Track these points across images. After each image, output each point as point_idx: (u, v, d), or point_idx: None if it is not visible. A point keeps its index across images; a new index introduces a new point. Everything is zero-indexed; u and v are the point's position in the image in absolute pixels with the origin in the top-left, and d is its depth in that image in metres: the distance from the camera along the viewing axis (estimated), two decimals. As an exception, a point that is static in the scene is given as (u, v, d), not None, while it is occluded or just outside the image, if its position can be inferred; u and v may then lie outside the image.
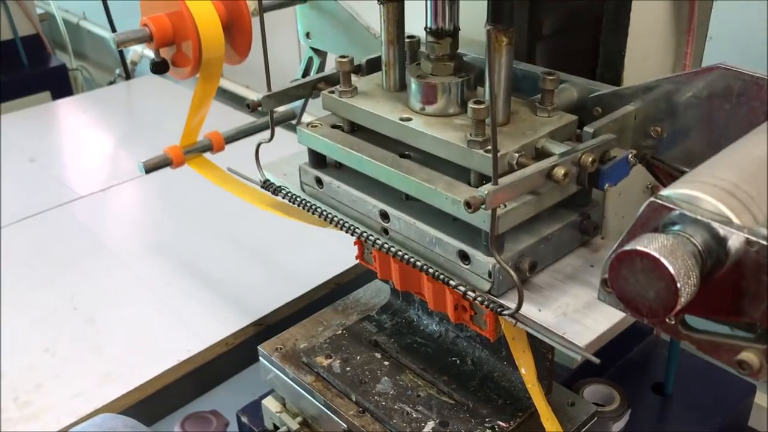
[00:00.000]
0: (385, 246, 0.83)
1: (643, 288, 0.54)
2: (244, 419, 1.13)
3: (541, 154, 0.75)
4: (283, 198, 0.93)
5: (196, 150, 0.99)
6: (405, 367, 1.00)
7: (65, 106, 2.48)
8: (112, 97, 2.55)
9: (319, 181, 0.91)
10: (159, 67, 0.92)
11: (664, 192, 0.58)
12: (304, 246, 1.60)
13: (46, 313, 1.45)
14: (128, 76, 2.82)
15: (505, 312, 0.73)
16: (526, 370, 0.83)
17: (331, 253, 1.53)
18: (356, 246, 0.95)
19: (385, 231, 0.85)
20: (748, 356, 0.54)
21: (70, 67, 2.97)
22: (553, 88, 0.78)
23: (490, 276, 0.75)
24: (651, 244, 0.53)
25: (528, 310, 0.73)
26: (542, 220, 0.79)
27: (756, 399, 1.20)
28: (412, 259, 0.81)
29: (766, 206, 0.56)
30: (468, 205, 0.65)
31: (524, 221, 0.76)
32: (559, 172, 0.70)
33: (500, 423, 0.91)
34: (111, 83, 2.90)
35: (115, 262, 1.60)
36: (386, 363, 1.01)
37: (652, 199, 0.57)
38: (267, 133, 0.94)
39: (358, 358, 1.02)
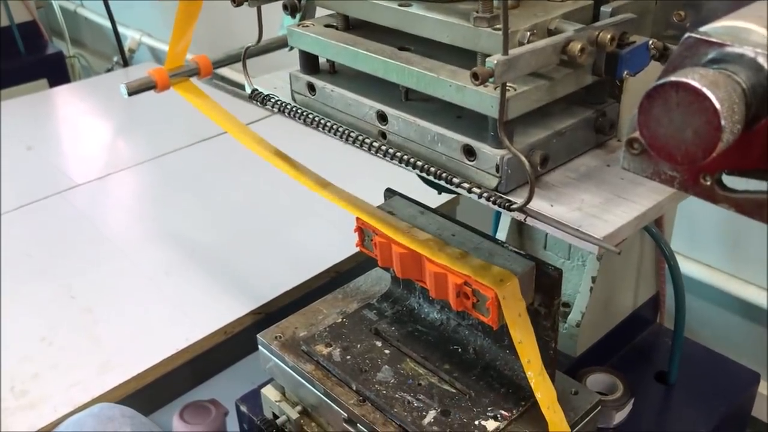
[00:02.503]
0: (383, 149, 0.77)
1: (679, 128, 0.47)
2: (243, 408, 1.10)
3: (554, 35, 0.68)
4: (272, 107, 0.88)
5: (182, 74, 0.92)
6: (406, 356, 0.97)
7: (62, 93, 2.46)
8: (109, 84, 2.50)
9: (311, 88, 0.86)
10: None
11: (707, 27, 0.50)
12: (304, 234, 1.58)
13: (43, 303, 1.43)
14: (126, 63, 2.80)
15: (513, 207, 0.67)
16: (532, 359, 0.79)
17: (332, 241, 1.51)
18: (357, 233, 0.93)
19: (383, 135, 0.79)
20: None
21: (67, 55, 2.95)
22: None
23: (497, 170, 0.69)
24: (689, 74, 0.46)
25: (539, 205, 0.67)
26: (555, 115, 0.73)
27: (760, 388, 1.17)
28: (412, 160, 0.74)
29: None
30: (475, 76, 0.59)
31: (535, 114, 0.70)
32: (575, 46, 0.64)
33: (503, 412, 0.87)
34: (109, 71, 2.88)
35: (113, 250, 1.57)
36: (387, 351, 0.98)
37: (688, 34, 0.50)
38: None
39: (359, 346, 0.99)
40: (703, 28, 0.50)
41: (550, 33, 0.68)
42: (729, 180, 0.52)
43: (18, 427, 1.15)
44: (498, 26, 0.65)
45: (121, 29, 2.76)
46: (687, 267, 1.37)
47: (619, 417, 1.00)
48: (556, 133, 0.71)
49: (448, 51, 0.72)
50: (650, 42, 0.69)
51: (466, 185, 0.70)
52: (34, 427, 1.14)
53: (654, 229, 1.00)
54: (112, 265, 1.52)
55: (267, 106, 0.88)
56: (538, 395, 0.79)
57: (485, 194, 0.69)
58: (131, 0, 2.67)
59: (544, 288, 0.80)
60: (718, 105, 0.44)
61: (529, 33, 0.66)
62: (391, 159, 0.76)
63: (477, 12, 0.67)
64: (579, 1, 0.72)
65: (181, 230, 1.64)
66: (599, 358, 1.06)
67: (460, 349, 0.96)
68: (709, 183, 0.52)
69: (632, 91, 0.78)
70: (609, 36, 0.65)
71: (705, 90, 0.45)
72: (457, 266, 0.79)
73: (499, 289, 0.75)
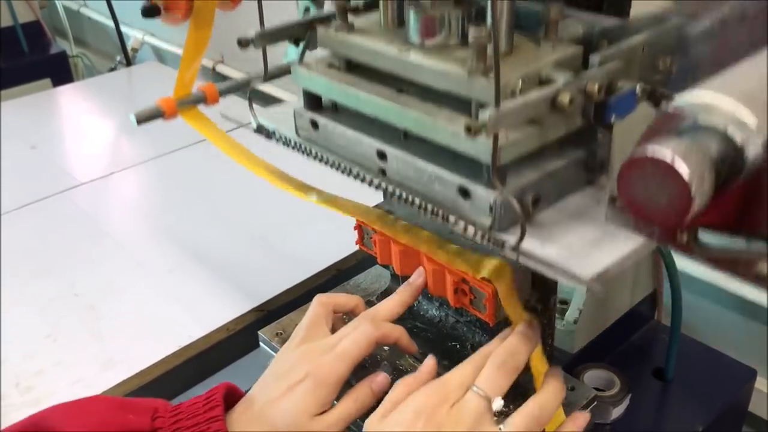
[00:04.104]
0: (382, 185, 0.81)
1: (654, 195, 0.52)
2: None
3: (545, 83, 0.72)
4: (277, 141, 0.91)
5: (189, 102, 0.96)
6: (404, 353, 0.99)
7: (66, 93, 2.48)
8: (112, 83, 2.54)
9: (314, 124, 0.89)
10: (150, 12, 0.90)
11: (677, 102, 0.55)
12: (305, 232, 1.61)
13: (47, 300, 1.45)
14: (129, 62, 2.81)
15: (506, 246, 0.71)
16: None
17: (332, 239, 1.53)
18: (356, 231, 0.97)
19: (383, 172, 0.83)
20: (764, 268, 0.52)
21: (70, 54, 2.98)
22: (556, 17, 0.75)
23: (491, 211, 0.73)
24: (662, 148, 0.51)
25: (531, 244, 0.70)
26: (546, 157, 0.76)
27: (756, 384, 1.20)
28: (410, 197, 0.78)
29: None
30: (468, 129, 0.63)
31: (527, 157, 0.73)
32: (565, 98, 0.68)
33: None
34: (112, 70, 2.90)
35: (116, 248, 1.60)
36: (386, 348, 1.00)
37: (663, 108, 0.55)
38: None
39: None
40: (677, 102, 0.54)
41: (541, 80, 0.72)
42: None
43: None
44: (492, 75, 0.68)
45: (124, 29, 2.78)
46: (687, 265, 1.37)
47: (616, 412, 1.03)
48: (547, 174, 0.75)
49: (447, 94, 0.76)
50: (637, 87, 0.73)
51: (462, 224, 0.74)
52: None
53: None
54: (115, 262, 1.54)
55: (272, 140, 0.93)
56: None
57: (479, 233, 0.73)
58: (134, 0, 2.70)
59: (541, 285, 0.84)
60: (687, 177, 0.49)
61: (521, 82, 0.70)
62: (391, 196, 0.80)
63: (471, 63, 0.70)
64: (569, 48, 0.75)
65: (184, 229, 1.66)
66: (597, 354, 1.09)
67: (458, 346, 0.99)
68: (685, 239, 0.57)
69: (621, 131, 0.81)
70: (597, 86, 0.69)
71: (676, 164, 0.49)
72: (456, 263, 0.84)
73: (495, 278, 0.81)
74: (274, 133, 0.93)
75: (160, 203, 1.81)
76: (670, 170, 0.50)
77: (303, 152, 0.89)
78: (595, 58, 0.72)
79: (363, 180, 0.82)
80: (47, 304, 1.44)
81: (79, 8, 3.39)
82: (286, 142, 0.91)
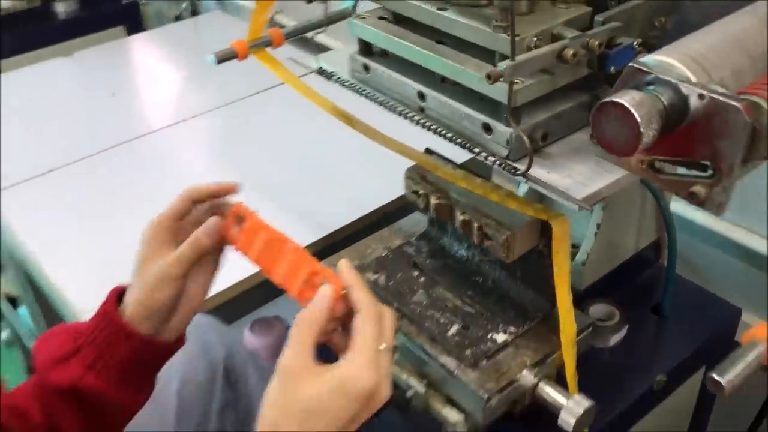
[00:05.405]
0: (421, 122, 0.98)
1: (616, 131, 0.69)
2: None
3: (556, 39, 0.88)
4: (335, 82, 1.09)
5: (259, 45, 1.11)
6: (437, 284, 1.17)
7: (139, 41, 2.66)
8: (181, 33, 2.71)
9: (366, 68, 1.07)
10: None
11: (643, 59, 0.72)
12: (357, 179, 1.76)
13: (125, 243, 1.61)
14: (195, 11, 2.92)
15: (517, 173, 0.88)
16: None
17: (380, 186, 1.67)
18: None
19: (422, 109, 1.00)
20: (698, 189, 0.69)
21: (140, 2, 3.05)
22: (572, -18, 0.91)
23: (507, 143, 0.90)
24: (623, 97, 0.67)
25: (538, 171, 0.88)
26: (556, 99, 0.92)
27: (743, 318, 1.32)
28: (444, 132, 0.95)
29: (726, 71, 0.70)
30: (489, 77, 0.79)
31: (540, 99, 0.90)
32: (569, 52, 0.84)
33: (511, 328, 1.08)
34: (177, 18, 2.95)
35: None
36: (422, 279, 1.18)
37: (631, 63, 0.71)
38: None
39: (399, 274, 1.19)
40: (642, 59, 0.71)
41: (554, 37, 0.88)
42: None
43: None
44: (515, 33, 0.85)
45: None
46: (698, 216, 1.50)
47: (614, 339, 1.19)
48: (555, 115, 0.92)
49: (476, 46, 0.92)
50: (635, 42, 0.88)
51: (484, 154, 0.92)
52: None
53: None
54: None
55: (331, 81, 1.10)
56: (560, 304, 0.98)
57: (498, 161, 0.91)
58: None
59: (548, 233, 0.99)
60: (638, 119, 0.66)
61: (535, 38, 0.86)
62: (428, 130, 0.98)
63: (495, 21, 0.87)
64: (580, 9, 0.91)
65: (250, 172, 1.80)
66: (602, 292, 1.22)
67: (481, 280, 1.16)
68: (645, 167, 0.74)
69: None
70: (597, 43, 0.85)
71: (630, 108, 0.66)
72: (509, 203, 0.97)
73: (554, 222, 0.95)
74: (332, 74, 1.10)
75: (228, 148, 1.96)
76: (626, 113, 0.66)
77: (357, 91, 1.07)
78: (599, 18, 0.88)
79: (405, 116, 1.00)
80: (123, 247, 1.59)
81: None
82: (343, 84, 1.09)
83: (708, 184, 0.68)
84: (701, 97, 0.66)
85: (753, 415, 1.39)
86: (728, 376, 0.68)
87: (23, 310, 2.35)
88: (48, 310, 1.91)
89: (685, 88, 0.67)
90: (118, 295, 0.97)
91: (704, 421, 1.43)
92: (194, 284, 0.98)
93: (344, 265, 0.87)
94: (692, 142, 0.69)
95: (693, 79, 0.68)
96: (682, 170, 0.71)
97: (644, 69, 0.70)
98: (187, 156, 1.94)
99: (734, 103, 0.64)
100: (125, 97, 2.24)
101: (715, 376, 0.67)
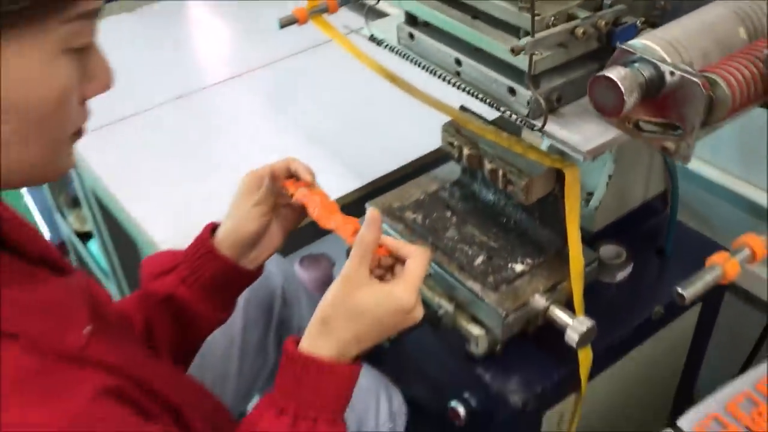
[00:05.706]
0: (457, 84, 1.17)
1: (606, 97, 0.88)
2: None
3: (571, 18, 1.05)
4: (384, 48, 1.28)
5: (317, 11, 1.28)
6: (466, 222, 1.37)
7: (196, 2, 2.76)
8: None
9: (411, 36, 1.25)
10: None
11: (631, 41, 0.91)
12: (398, 131, 1.90)
13: (194, 182, 1.76)
14: None
15: (535, 128, 1.07)
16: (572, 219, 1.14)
17: (419, 138, 1.80)
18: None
19: (458, 73, 1.19)
20: (669, 144, 0.88)
21: None
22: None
23: (528, 104, 1.08)
24: (611, 72, 0.87)
25: (552, 128, 1.06)
26: (570, 68, 1.10)
27: (759, 272, 1.49)
28: (476, 93, 1.14)
29: (696, 53, 0.89)
30: (512, 50, 0.98)
31: (556, 67, 1.07)
32: (579, 31, 1.01)
33: (528, 260, 1.27)
34: None
35: (243, 142, 1.91)
36: (454, 219, 1.38)
37: (620, 45, 0.90)
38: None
39: (435, 215, 1.39)
40: (630, 41, 0.90)
41: (569, 16, 1.05)
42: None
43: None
44: (536, 12, 1.01)
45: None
46: (706, 170, 1.63)
47: (620, 276, 1.37)
48: (569, 81, 1.09)
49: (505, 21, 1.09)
50: (638, 21, 1.06)
51: (508, 112, 1.11)
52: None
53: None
54: (242, 154, 1.83)
55: (381, 47, 1.29)
56: (570, 240, 1.15)
57: (519, 119, 1.09)
58: None
59: (562, 179, 1.16)
60: (622, 89, 0.85)
61: (553, 17, 1.03)
62: (463, 91, 1.16)
63: (521, 2, 1.05)
64: (593, -9, 1.09)
65: (301, 123, 1.95)
66: (612, 235, 1.38)
67: (505, 220, 1.36)
68: (630, 126, 0.93)
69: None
70: (604, 22, 1.02)
71: (617, 81, 0.85)
72: (530, 154, 1.16)
73: (567, 170, 1.13)
74: (382, 41, 1.29)
75: (280, 102, 2.09)
76: (613, 84, 0.86)
77: (403, 57, 1.26)
78: (607, 1, 1.05)
79: (444, 79, 1.19)
80: (198, 180, 1.74)
81: None
82: (391, 49, 1.27)
83: (676, 140, 0.88)
84: (672, 73, 0.85)
85: (747, 353, 1.58)
86: (690, 290, 0.87)
87: (92, 245, 2.59)
88: (120, 244, 2.12)
89: (661, 66, 0.86)
90: (213, 228, 1.18)
91: (700, 356, 1.60)
92: (276, 227, 1.19)
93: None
94: (666, 108, 0.88)
95: (668, 59, 0.87)
96: (657, 129, 0.90)
97: (630, 50, 0.89)
98: (245, 107, 2.09)
99: (695, 79, 0.82)
100: (186, 52, 2.42)
101: (679, 290, 0.86)
